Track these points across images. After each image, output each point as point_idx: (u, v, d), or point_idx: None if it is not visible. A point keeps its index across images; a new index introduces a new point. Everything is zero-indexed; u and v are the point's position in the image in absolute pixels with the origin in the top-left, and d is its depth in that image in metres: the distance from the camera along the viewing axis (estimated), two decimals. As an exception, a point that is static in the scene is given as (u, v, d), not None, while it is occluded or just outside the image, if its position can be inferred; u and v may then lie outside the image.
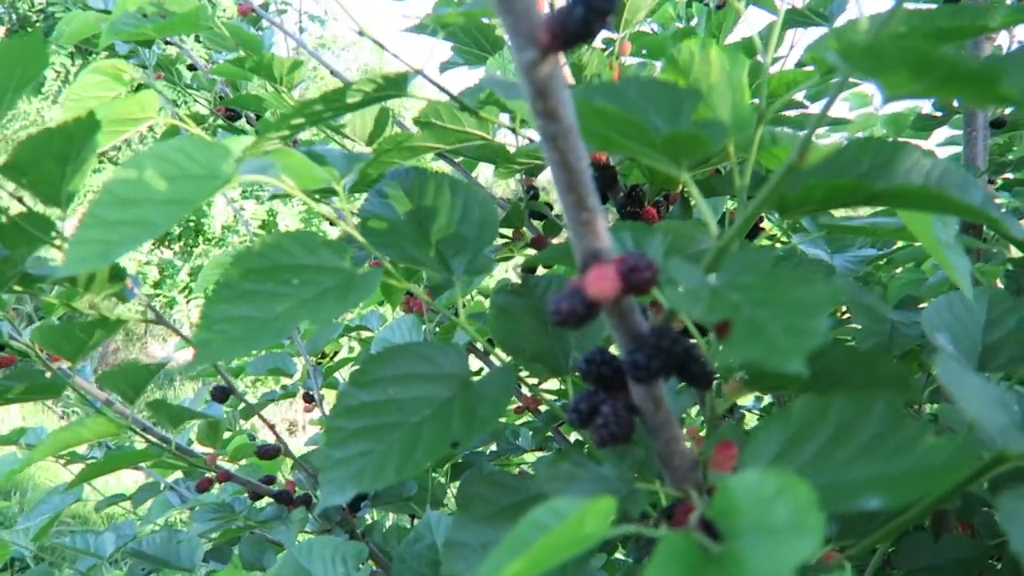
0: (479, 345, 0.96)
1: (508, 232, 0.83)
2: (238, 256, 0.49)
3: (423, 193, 0.61)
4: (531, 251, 0.83)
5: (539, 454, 1.41)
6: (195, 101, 1.31)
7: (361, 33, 0.50)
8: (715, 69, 0.46)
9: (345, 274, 0.51)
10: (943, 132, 1.31)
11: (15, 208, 0.62)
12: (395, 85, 0.56)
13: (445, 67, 0.84)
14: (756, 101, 0.45)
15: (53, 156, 0.53)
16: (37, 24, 5.33)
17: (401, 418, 0.51)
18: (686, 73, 0.47)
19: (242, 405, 1.07)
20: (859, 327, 0.85)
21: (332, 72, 0.81)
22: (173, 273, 5.96)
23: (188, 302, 5.93)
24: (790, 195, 0.34)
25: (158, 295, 5.83)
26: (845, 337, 1.07)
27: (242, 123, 1.28)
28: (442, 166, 0.88)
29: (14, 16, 5.25)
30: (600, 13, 0.22)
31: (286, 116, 0.55)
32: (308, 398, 1.10)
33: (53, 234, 0.57)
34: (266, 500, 1.03)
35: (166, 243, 6.17)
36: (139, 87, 0.69)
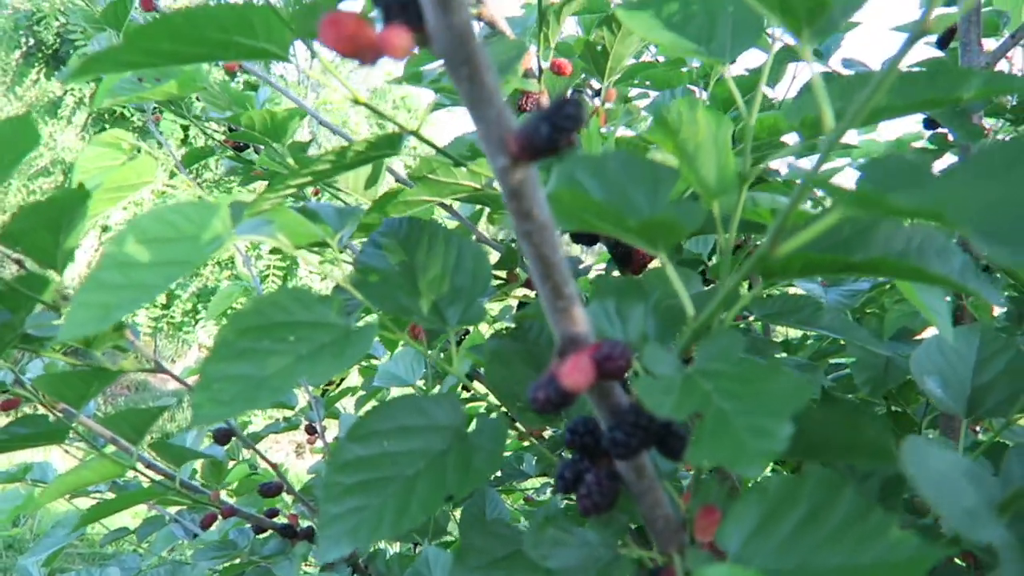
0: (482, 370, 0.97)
1: (503, 274, 0.84)
2: (235, 315, 0.50)
3: (417, 244, 0.62)
4: (525, 291, 0.84)
5: (543, 479, 1.42)
6: (204, 132, 1.33)
7: (355, 101, 0.51)
8: (702, 129, 0.47)
9: (341, 329, 0.52)
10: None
11: (6, 269, 0.64)
12: (389, 144, 0.57)
13: (433, 108, 0.86)
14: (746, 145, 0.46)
15: (46, 225, 0.55)
16: (53, 47, 5.40)
17: (396, 471, 0.52)
18: (675, 132, 0.48)
19: (247, 432, 1.08)
20: (855, 358, 0.85)
21: (333, 131, 0.83)
22: (179, 294, 6.00)
23: (195, 323, 5.96)
24: (770, 264, 0.35)
25: (165, 315, 5.86)
26: (844, 360, 1.07)
27: (249, 152, 1.30)
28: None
29: (31, 40, 5.32)
30: (564, 131, 0.23)
31: (286, 178, 0.56)
32: (310, 430, 1.11)
33: (51, 296, 0.59)
34: (269, 532, 1.03)
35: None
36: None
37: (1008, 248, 0.17)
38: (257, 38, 0.52)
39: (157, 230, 0.49)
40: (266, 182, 1.12)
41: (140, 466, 0.87)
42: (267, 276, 5.28)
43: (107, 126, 5.56)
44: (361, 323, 0.54)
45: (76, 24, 5.15)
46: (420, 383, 1.07)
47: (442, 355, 1.08)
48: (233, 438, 1.01)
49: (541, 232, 0.27)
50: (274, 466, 0.94)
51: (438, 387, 1.23)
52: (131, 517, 2.82)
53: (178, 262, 0.47)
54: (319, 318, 0.52)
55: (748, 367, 0.27)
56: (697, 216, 0.31)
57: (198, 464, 1.09)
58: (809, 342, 1.11)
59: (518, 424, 1.05)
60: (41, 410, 0.86)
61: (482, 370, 0.99)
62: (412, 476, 0.52)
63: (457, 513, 1.26)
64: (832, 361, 1.11)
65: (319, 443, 1.19)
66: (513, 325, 0.68)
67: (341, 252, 0.63)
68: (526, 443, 1.47)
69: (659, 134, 0.49)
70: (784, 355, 0.92)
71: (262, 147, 1.28)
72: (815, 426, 0.36)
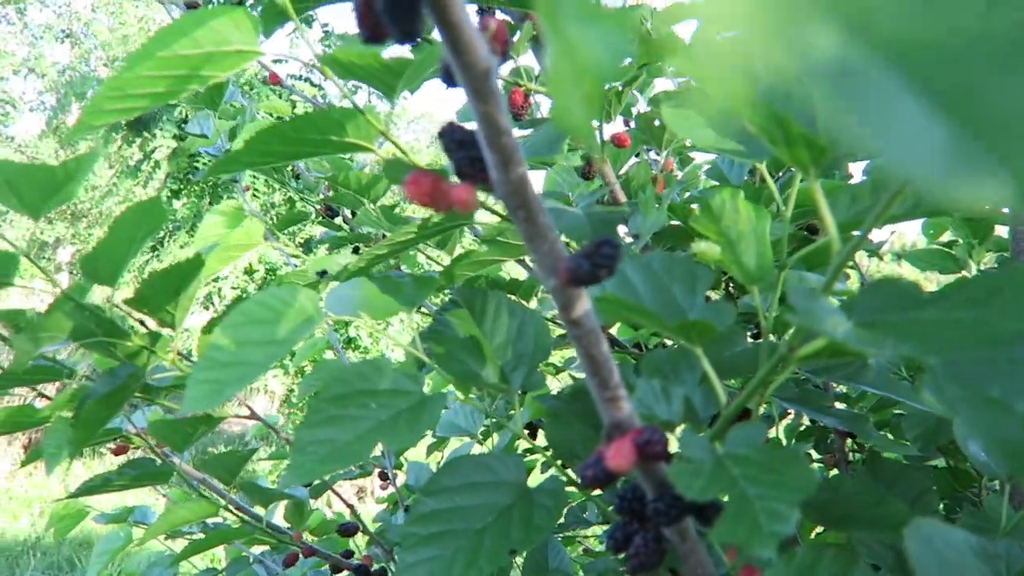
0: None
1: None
2: (326, 383, 0.57)
3: (484, 313, 0.68)
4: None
5: (605, 527, 1.44)
6: (301, 199, 1.45)
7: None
8: (743, 219, 0.51)
9: (416, 396, 0.58)
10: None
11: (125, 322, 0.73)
12: (465, 216, 0.63)
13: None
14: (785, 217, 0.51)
15: (168, 289, 0.63)
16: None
17: (465, 525, 0.57)
18: (718, 219, 0.53)
19: (318, 481, 1.15)
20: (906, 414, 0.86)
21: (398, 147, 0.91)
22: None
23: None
24: (793, 355, 0.39)
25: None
26: (897, 411, 1.07)
27: (339, 220, 1.43)
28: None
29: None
30: (602, 267, 0.28)
31: (373, 250, 0.63)
32: (383, 476, 1.18)
33: (166, 351, 0.67)
34: (345, 572, 1.09)
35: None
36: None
37: (959, 391, 0.21)
38: (348, 135, 0.60)
39: (259, 313, 0.56)
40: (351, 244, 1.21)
41: (231, 507, 0.95)
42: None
43: (181, 186, 5.92)
44: (428, 381, 0.60)
45: None
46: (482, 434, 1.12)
47: (500, 405, 1.13)
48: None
49: (588, 336, 0.33)
50: (351, 508, 1.01)
51: (496, 437, 1.29)
52: (209, 561, 2.95)
53: (278, 341, 0.55)
54: (397, 386, 0.58)
55: (772, 454, 0.31)
56: (728, 316, 0.36)
57: (280, 511, 1.17)
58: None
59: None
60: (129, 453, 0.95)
61: (543, 418, 1.03)
62: (480, 530, 0.57)
63: (520, 560, 1.30)
64: (897, 411, 1.11)
65: (390, 489, 1.25)
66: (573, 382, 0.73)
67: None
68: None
69: (704, 221, 0.54)
70: (842, 406, 0.94)
71: (350, 215, 1.39)
72: (843, 500, 0.40)
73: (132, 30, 7.55)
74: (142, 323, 0.74)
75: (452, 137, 0.32)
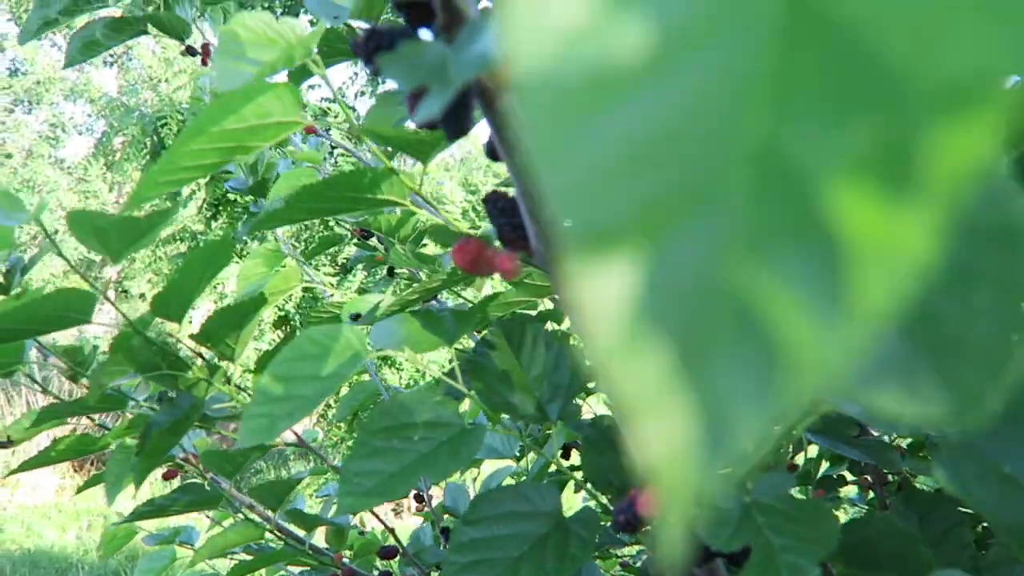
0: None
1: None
2: (371, 416, 0.60)
3: (521, 345, 0.70)
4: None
5: (638, 547, 1.45)
6: (336, 222, 1.49)
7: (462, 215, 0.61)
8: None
9: (456, 428, 0.61)
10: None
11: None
12: (449, 233, 0.66)
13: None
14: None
15: (230, 325, 0.67)
16: (164, 130, 5.97)
17: (502, 554, 0.59)
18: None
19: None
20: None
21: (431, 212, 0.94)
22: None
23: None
24: (819, 406, 0.41)
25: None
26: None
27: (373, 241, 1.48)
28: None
29: (155, 138, 5.93)
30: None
31: (406, 295, 0.66)
32: (419, 498, 1.21)
33: (222, 382, 0.71)
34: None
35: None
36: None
37: (973, 466, 0.23)
38: (382, 193, 0.64)
39: (308, 349, 0.59)
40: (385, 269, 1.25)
41: (276, 531, 0.98)
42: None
43: (220, 208, 6.09)
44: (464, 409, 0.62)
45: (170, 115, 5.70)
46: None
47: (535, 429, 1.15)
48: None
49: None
50: (391, 531, 1.04)
51: (533, 455, 1.30)
52: None
53: (327, 377, 0.58)
54: (438, 418, 0.61)
55: (798, 506, 0.33)
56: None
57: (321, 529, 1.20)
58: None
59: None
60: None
61: (578, 443, 1.05)
62: (517, 558, 0.59)
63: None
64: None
65: (425, 508, 1.27)
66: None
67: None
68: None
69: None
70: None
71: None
72: (871, 541, 0.41)
73: (174, 53, 7.80)
74: (199, 355, 0.78)
75: (495, 205, 0.35)
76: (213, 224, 6.31)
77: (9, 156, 8.81)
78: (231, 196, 5.92)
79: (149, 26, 1.03)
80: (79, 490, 0.90)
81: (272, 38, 0.41)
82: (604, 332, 0.08)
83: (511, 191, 0.35)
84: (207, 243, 0.62)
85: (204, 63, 1.25)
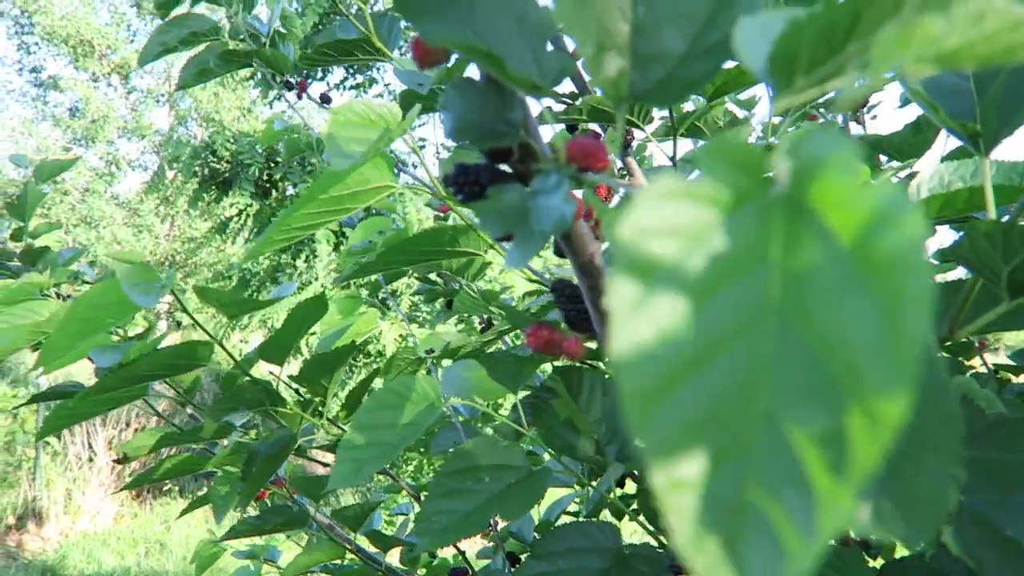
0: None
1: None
2: (447, 459, 0.67)
3: (580, 390, 0.76)
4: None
5: None
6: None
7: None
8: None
9: (523, 471, 0.67)
10: None
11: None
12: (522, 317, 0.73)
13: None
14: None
15: (325, 369, 0.76)
16: (224, 174, 6.23)
17: (567, 586, 0.65)
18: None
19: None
20: None
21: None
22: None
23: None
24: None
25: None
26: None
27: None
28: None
29: (206, 170, 6.19)
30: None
31: (477, 343, 0.73)
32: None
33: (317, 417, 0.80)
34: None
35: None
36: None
37: (978, 531, 0.28)
38: (460, 245, 0.71)
39: (388, 399, 0.67)
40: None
41: (356, 552, 1.06)
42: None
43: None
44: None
45: (244, 151, 5.94)
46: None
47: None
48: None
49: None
50: (461, 552, 1.10)
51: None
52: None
53: (408, 424, 0.65)
54: (507, 460, 0.67)
55: (836, 551, 0.37)
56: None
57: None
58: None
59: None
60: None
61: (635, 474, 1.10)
62: (580, 589, 0.64)
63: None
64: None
65: (491, 532, 1.34)
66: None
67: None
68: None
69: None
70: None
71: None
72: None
73: (224, 89, 8.15)
74: (297, 392, 0.87)
75: (563, 293, 0.41)
76: (260, 257, 6.57)
77: (67, 193, 9.34)
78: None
79: (255, 60, 1.14)
80: (182, 513, 1.00)
81: (374, 119, 0.48)
82: (679, 527, 0.14)
83: (573, 279, 0.42)
84: (306, 300, 0.70)
85: (299, 96, 1.35)
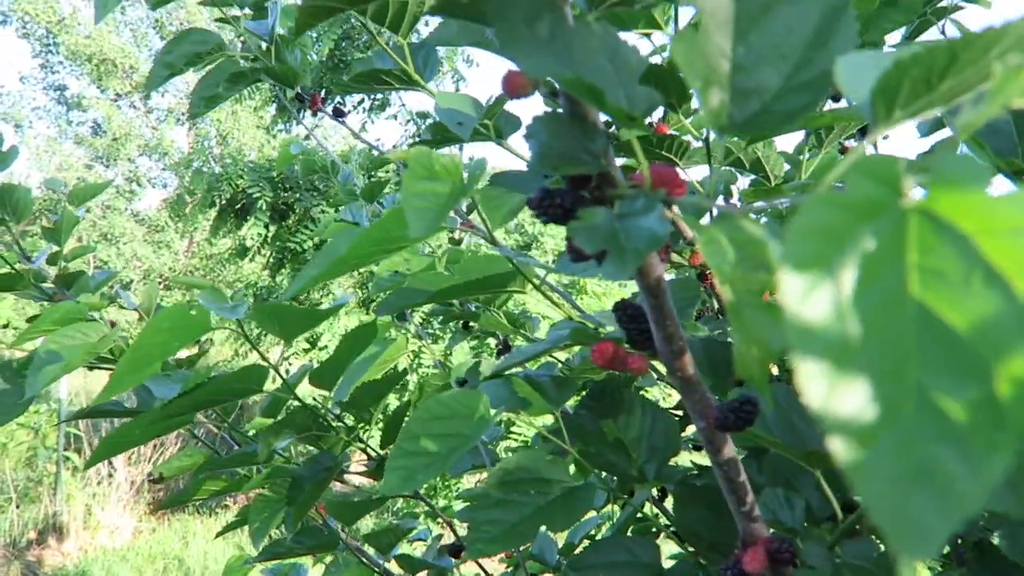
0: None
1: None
2: (493, 472, 0.69)
3: (619, 409, 0.78)
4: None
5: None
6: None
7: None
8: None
9: (566, 486, 0.69)
10: None
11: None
12: (585, 337, 0.75)
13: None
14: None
15: (371, 396, 0.78)
16: (241, 203, 6.34)
17: (608, 599, 0.67)
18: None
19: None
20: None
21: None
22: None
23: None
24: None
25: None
26: None
27: None
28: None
29: (223, 199, 6.31)
30: (745, 422, 0.39)
31: (505, 367, 0.76)
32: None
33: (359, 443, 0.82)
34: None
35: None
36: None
37: None
38: (506, 286, 0.74)
39: (438, 411, 0.69)
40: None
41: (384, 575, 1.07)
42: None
43: (284, 260, 6.42)
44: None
45: (253, 185, 6.05)
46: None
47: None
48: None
49: (729, 464, 0.43)
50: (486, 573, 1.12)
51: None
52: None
53: (455, 435, 0.67)
54: (551, 475, 0.69)
55: (886, 567, 0.40)
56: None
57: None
58: None
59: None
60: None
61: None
62: (621, 603, 0.66)
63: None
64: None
65: (513, 554, 1.34)
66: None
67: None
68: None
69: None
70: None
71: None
72: None
73: (242, 108, 8.29)
74: (338, 417, 0.89)
75: (625, 312, 0.44)
76: (278, 277, 6.63)
77: (88, 210, 9.45)
78: (293, 247, 6.27)
79: (264, 75, 1.10)
80: (218, 534, 1.02)
81: (439, 172, 0.51)
82: (859, 482, 0.17)
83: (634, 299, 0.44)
84: (356, 328, 0.73)
85: (313, 113, 1.37)
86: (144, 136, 10.64)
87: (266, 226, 6.24)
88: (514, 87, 0.37)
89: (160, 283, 9.29)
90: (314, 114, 1.37)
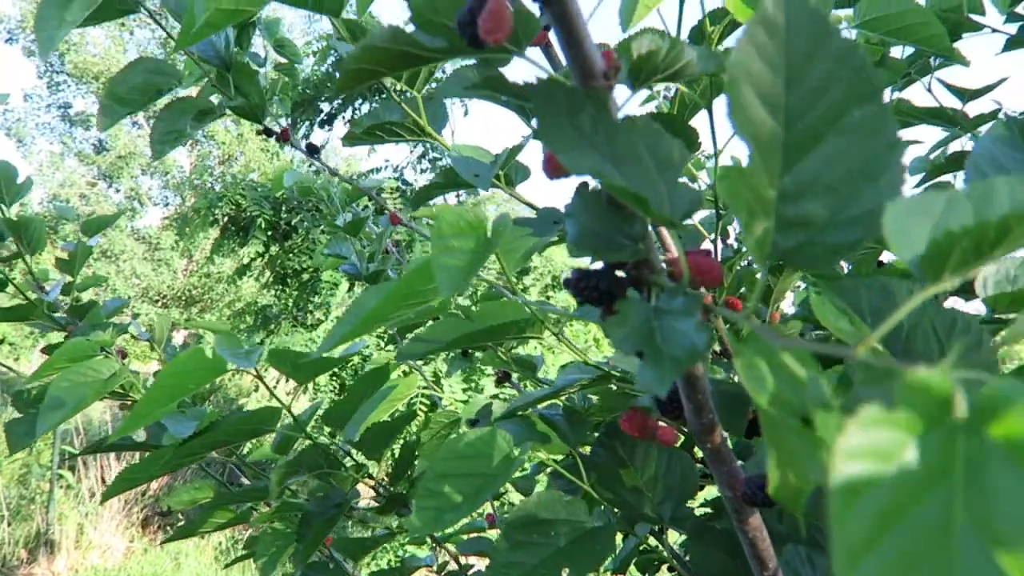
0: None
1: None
2: (514, 513, 0.69)
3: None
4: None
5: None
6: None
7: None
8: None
9: (585, 527, 0.69)
10: None
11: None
12: (605, 379, 0.76)
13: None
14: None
15: (381, 435, 0.78)
16: (243, 222, 6.38)
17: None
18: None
19: None
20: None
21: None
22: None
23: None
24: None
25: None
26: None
27: None
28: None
29: (225, 217, 6.35)
30: (771, 500, 0.39)
31: (515, 407, 0.77)
32: None
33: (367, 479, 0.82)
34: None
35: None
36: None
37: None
38: (525, 332, 0.75)
39: (464, 451, 0.69)
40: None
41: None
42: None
43: (289, 280, 6.44)
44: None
45: (251, 205, 6.09)
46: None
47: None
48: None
49: (755, 531, 0.43)
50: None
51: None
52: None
53: (481, 475, 0.68)
54: (571, 516, 0.70)
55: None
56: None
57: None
58: None
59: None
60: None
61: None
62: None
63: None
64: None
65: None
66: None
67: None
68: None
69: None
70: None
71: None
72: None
73: (247, 128, 8.34)
74: (348, 454, 0.89)
75: (587, 282, 0.44)
76: (281, 296, 6.64)
77: (76, 218, 9.44)
78: (293, 266, 6.28)
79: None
80: (227, 565, 1.02)
81: (464, 228, 0.51)
82: None
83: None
84: (369, 371, 0.74)
85: (281, 144, 1.36)
86: (147, 155, 10.68)
87: (265, 245, 6.28)
88: (555, 169, 0.38)
89: (157, 301, 9.28)
90: (281, 147, 1.37)
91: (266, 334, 6.33)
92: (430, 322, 0.82)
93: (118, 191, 10.78)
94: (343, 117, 6.89)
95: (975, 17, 0.97)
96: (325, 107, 6.67)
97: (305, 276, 6.34)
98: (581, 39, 0.36)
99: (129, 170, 10.53)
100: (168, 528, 5.04)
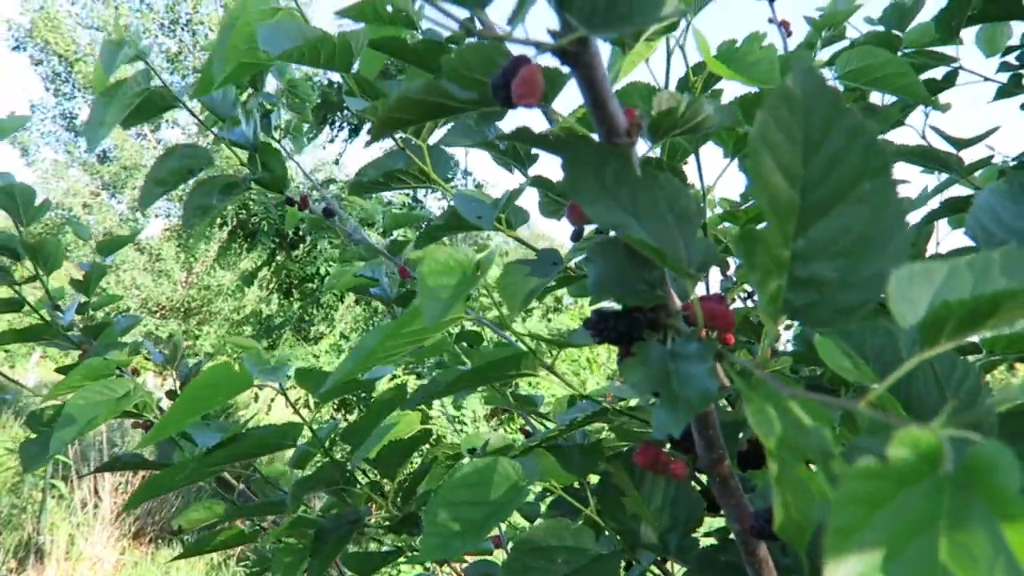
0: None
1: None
2: (522, 539, 0.71)
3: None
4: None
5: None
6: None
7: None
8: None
9: (592, 554, 0.71)
10: None
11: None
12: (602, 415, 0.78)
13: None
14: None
15: (396, 454, 0.80)
16: (251, 228, 6.43)
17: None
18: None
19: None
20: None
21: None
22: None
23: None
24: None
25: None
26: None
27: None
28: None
29: (235, 220, 6.39)
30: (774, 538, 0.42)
31: (529, 446, 0.79)
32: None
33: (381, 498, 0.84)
34: None
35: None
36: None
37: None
38: (521, 369, 0.77)
39: (470, 478, 0.71)
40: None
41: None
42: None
43: (295, 290, 6.47)
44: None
45: (262, 214, 6.14)
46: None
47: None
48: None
49: (761, 563, 0.46)
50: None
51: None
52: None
53: (489, 503, 0.69)
54: (577, 543, 0.72)
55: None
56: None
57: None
58: None
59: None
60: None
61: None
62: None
63: None
64: None
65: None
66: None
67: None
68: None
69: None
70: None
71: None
72: None
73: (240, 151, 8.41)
74: (363, 471, 0.91)
75: (606, 324, 0.47)
76: (284, 306, 6.67)
77: (91, 237, 9.48)
78: (299, 274, 6.30)
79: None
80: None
81: (452, 266, 0.53)
82: None
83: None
84: (382, 394, 0.76)
85: (301, 210, 1.40)
86: (149, 166, 10.69)
87: (272, 252, 6.31)
88: (578, 217, 0.41)
89: (156, 312, 9.28)
90: (300, 210, 1.39)
91: (267, 346, 6.35)
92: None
93: (120, 202, 10.83)
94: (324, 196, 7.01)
95: (969, 67, 1.02)
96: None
97: (311, 285, 6.37)
98: (606, 100, 0.39)
99: (133, 181, 10.58)
100: (160, 541, 5.01)
